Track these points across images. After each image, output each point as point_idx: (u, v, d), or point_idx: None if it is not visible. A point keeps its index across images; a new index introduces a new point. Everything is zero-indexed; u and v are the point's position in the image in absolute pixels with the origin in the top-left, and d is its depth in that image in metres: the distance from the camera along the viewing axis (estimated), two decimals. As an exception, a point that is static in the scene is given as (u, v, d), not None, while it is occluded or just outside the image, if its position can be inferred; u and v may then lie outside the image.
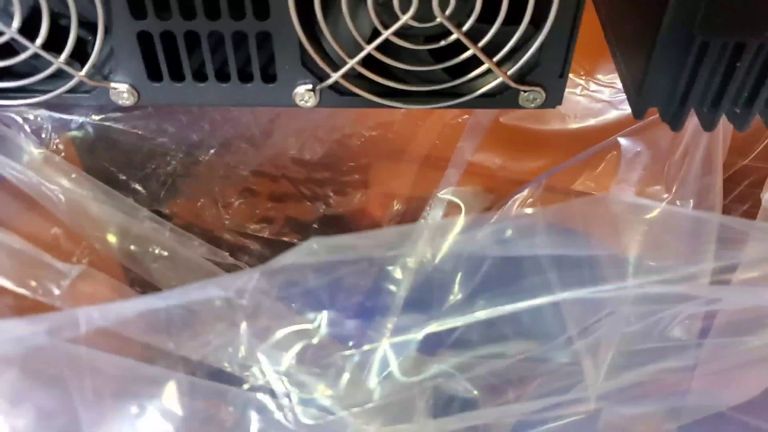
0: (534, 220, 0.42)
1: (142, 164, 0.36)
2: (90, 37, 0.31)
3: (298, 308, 0.26)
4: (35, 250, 0.26)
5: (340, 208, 0.44)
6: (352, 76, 0.32)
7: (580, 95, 0.43)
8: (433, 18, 0.30)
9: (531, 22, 0.30)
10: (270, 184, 0.41)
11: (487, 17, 0.30)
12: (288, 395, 0.23)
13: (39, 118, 0.33)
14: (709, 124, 0.32)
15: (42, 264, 0.26)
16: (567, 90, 0.33)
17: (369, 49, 0.30)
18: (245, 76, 0.32)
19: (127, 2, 0.29)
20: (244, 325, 0.23)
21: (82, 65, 0.31)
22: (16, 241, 0.27)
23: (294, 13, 0.29)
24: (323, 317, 0.26)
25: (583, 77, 0.43)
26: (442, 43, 0.31)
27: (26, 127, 0.33)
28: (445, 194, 0.46)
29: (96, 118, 0.34)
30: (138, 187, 0.36)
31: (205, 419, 0.23)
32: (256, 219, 0.40)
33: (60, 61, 0.30)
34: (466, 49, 0.31)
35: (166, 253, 0.29)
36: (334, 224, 0.43)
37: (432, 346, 0.29)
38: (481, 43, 0.31)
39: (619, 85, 0.43)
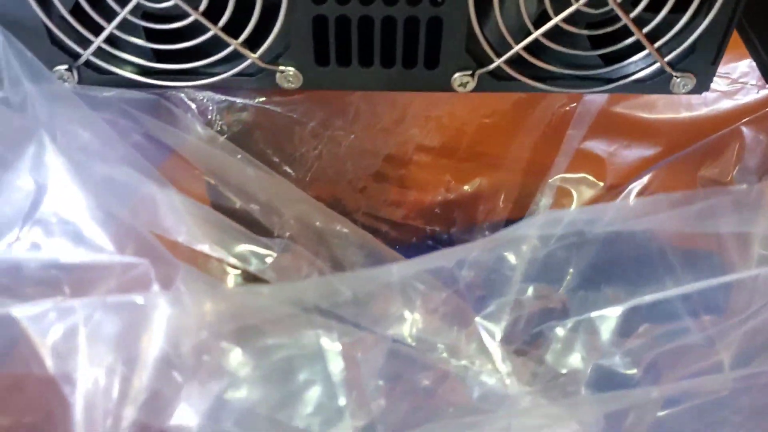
0: (658, 206, 0.43)
1: (293, 147, 0.37)
2: (264, 21, 0.32)
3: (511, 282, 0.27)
4: (238, 226, 0.27)
5: (458, 193, 0.45)
6: (511, 61, 0.33)
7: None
8: (604, 4, 0.31)
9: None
10: (398, 169, 0.42)
11: (649, 5, 0.31)
12: (503, 363, 0.24)
13: (205, 99, 0.34)
14: None
15: (249, 238, 0.27)
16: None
17: (537, 34, 0.31)
18: (409, 62, 0.33)
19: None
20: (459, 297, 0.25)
21: (251, 49, 0.32)
22: (220, 217, 0.28)
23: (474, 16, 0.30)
24: (531, 289, 0.27)
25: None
26: (609, 29, 0.32)
27: (193, 107, 0.34)
28: (555, 181, 0.47)
29: (257, 101, 0.35)
30: (288, 169, 0.37)
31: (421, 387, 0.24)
32: (387, 203, 0.41)
33: (237, 43, 0.31)
34: (625, 36, 0.32)
35: (346, 230, 0.30)
36: (453, 208, 0.44)
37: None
38: (645, 30, 0.32)
39: (734, 76, 0.44)
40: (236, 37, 0.31)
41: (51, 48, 0.32)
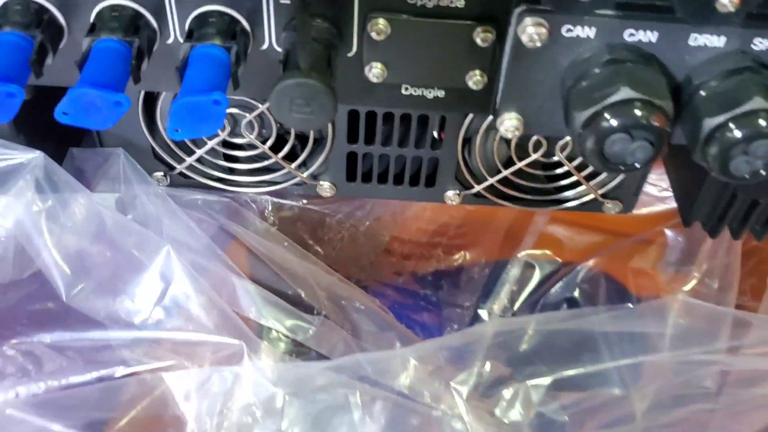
0: (598, 286, 0.56)
1: (323, 233, 0.49)
2: (311, 149, 0.44)
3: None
4: (286, 304, 0.39)
5: (447, 264, 0.57)
6: (487, 187, 0.45)
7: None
8: (553, 155, 0.43)
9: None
10: (401, 246, 0.54)
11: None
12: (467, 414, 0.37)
13: (263, 201, 0.46)
14: (736, 236, 0.45)
15: (296, 314, 0.39)
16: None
17: (506, 173, 0.44)
18: (413, 182, 0.45)
19: (348, 133, 0.42)
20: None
21: (300, 168, 0.44)
22: (268, 295, 0.40)
23: (459, 148, 0.43)
24: (489, 365, 0.39)
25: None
26: (558, 171, 0.44)
27: (254, 207, 0.46)
28: (523, 256, 0.59)
29: (301, 202, 0.47)
30: (319, 249, 0.49)
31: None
32: (391, 272, 0.54)
33: (292, 167, 0.44)
34: (570, 174, 0.45)
35: (362, 306, 0.42)
36: (442, 276, 0.56)
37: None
38: (583, 173, 0.44)
39: (664, 185, 0.57)
40: (292, 161, 0.44)
41: (153, 160, 0.44)
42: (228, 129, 0.42)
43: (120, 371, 0.35)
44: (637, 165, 0.29)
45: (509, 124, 0.33)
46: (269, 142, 0.43)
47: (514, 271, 0.59)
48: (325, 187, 0.45)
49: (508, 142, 0.43)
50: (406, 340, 0.43)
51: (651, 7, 0.29)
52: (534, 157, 0.43)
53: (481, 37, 0.31)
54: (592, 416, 0.44)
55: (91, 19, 0.30)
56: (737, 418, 0.46)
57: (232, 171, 0.45)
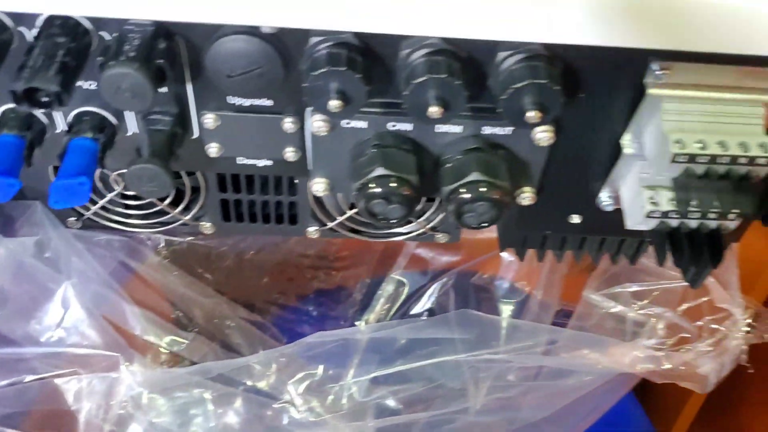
0: (448, 298, 0.67)
1: (211, 262, 0.60)
2: (189, 198, 0.55)
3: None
4: (165, 322, 0.49)
5: (328, 284, 0.68)
6: (339, 223, 0.56)
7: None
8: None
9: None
10: (285, 269, 0.65)
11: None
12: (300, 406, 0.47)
13: (155, 238, 0.57)
14: (541, 257, 0.57)
15: (173, 331, 0.49)
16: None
17: (350, 213, 0.55)
18: (279, 220, 0.56)
19: (218, 184, 0.53)
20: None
21: (184, 212, 0.55)
22: (152, 316, 0.51)
23: (312, 199, 0.54)
24: (322, 368, 0.50)
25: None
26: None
27: (149, 243, 0.57)
28: (395, 275, 0.71)
29: (188, 238, 0.58)
30: (208, 276, 0.60)
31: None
32: (276, 291, 0.64)
33: (176, 211, 0.54)
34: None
35: (233, 324, 0.53)
36: (324, 295, 0.67)
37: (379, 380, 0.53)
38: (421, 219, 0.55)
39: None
40: (178, 206, 0.54)
41: (67, 209, 0.55)
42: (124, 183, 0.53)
43: (29, 378, 0.45)
44: (394, 221, 0.40)
45: (319, 186, 0.44)
46: (168, 200, 0.53)
47: (388, 288, 0.71)
48: (207, 227, 0.56)
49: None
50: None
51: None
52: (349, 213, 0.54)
53: (288, 126, 0.42)
54: (422, 402, 0.55)
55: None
56: (544, 401, 0.57)
57: (130, 215, 0.56)
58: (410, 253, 0.71)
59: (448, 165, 0.41)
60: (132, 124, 0.42)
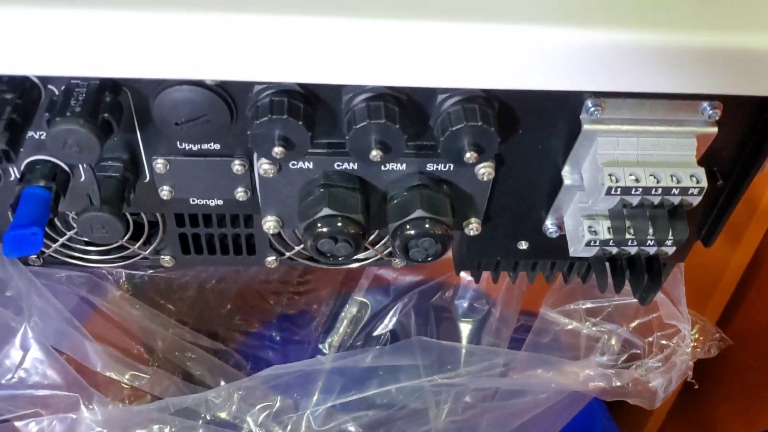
0: (409, 318, 0.68)
1: (173, 293, 0.61)
2: (151, 232, 0.55)
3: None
4: (125, 357, 0.50)
5: (291, 308, 0.69)
6: (297, 252, 0.57)
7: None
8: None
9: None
10: (247, 296, 0.66)
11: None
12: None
13: (117, 272, 0.58)
14: (495, 280, 0.58)
15: (133, 366, 0.50)
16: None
17: (302, 246, 0.56)
18: (237, 251, 0.57)
19: (174, 219, 0.54)
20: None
21: (145, 245, 0.56)
22: (113, 351, 0.52)
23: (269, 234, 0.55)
24: (280, 399, 0.51)
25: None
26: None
27: (110, 278, 0.58)
28: (358, 296, 0.72)
29: (150, 271, 0.59)
30: (171, 306, 0.61)
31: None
32: (239, 318, 0.65)
33: (136, 246, 0.55)
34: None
35: (194, 356, 0.54)
36: (287, 320, 0.68)
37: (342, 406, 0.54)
38: (378, 246, 0.56)
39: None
40: (138, 240, 0.55)
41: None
42: (81, 221, 0.54)
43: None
44: (341, 258, 0.42)
45: (270, 224, 0.45)
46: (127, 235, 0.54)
47: (351, 309, 0.72)
48: (167, 260, 0.57)
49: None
50: (232, 379, 0.55)
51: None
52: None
53: (237, 168, 0.43)
54: (382, 426, 0.56)
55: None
56: (502, 420, 0.58)
57: (90, 251, 0.56)
58: (372, 274, 0.72)
59: (393, 202, 0.42)
60: (84, 170, 0.43)
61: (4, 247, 0.39)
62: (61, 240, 0.55)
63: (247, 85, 0.38)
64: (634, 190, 0.40)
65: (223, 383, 0.54)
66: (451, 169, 0.43)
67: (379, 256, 0.58)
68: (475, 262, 0.56)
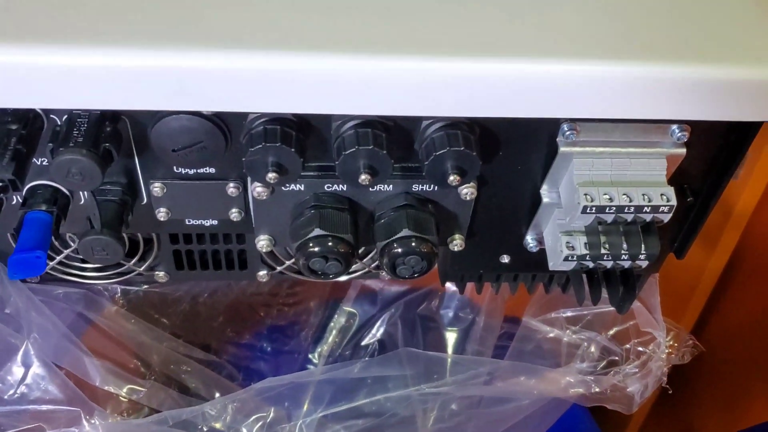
0: (397, 328, 0.70)
1: (167, 307, 0.62)
2: (142, 251, 0.57)
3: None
4: (122, 371, 0.52)
5: (281, 320, 0.71)
6: (288, 267, 0.59)
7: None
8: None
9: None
10: (239, 308, 0.68)
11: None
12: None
13: (112, 287, 0.60)
14: (479, 291, 0.61)
15: (130, 380, 0.52)
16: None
17: (293, 261, 0.58)
18: (230, 266, 0.59)
19: (169, 236, 0.56)
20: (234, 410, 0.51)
21: (140, 262, 0.58)
22: (110, 366, 0.53)
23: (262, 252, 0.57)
24: (273, 410, 0.53)
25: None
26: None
27: (106, 294, 0.59)
28: (347, 306, 0.74)
29: (144, 286, 0.60)
30: (165, 320, 0.62)
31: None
32: (231, 330, 0.67)
33: (131, 263, 0.57)
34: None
35: (189, 369, 0.56)
36: (278, 331, 0.70)
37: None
38: (365, 260, 0.58)
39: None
40: (133, 257, 0.57)
41: (24, 263, 0.57)
42: (78, 240, 0.55)
43: (-4, 435, 0.48)
44: (332, 276, 0.44)
45: (263, 243, 0.47)
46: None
47: (340, 320, 0.74)
48: (161, 276, 0.58)
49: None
50: (226, 391, 0.57)
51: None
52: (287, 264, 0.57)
53: (231, 191, 0.45)
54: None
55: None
56: (487, 427, 0.61)
57: (86, 268, 0.58)
58: (360, 284, 0.74)
59: (381, 221, 0.45)
60: (84, 194, 0.45)
61: (9, 270, 0.41)
62: (58, 258, 0.56)
63: (242, 114, 0.40)
64: (608, 208, 0.43)
65: (217, 394, 0.56)
66: (436, 189, 0.45)
67: (367, 270, 0.60)
68: (459, 274, 0.58)
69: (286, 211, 0.45)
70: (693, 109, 0.40)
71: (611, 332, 0.61)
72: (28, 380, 0.49)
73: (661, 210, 0.43)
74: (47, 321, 0.53)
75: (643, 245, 0.44)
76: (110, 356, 0.54)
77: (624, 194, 0.43)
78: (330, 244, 0.43)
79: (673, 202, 0.43)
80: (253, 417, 0.52)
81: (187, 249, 0.57)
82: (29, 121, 0.39)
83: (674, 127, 0.43)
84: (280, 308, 0.71)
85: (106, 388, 0.51)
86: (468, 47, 0.37)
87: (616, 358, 0.59)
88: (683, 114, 0.40)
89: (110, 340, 0.55)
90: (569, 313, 0.64)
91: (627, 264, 0.46)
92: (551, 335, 0.64)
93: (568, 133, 0.42)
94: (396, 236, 0.43)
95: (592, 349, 0.61)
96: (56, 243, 0.55)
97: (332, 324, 0.72)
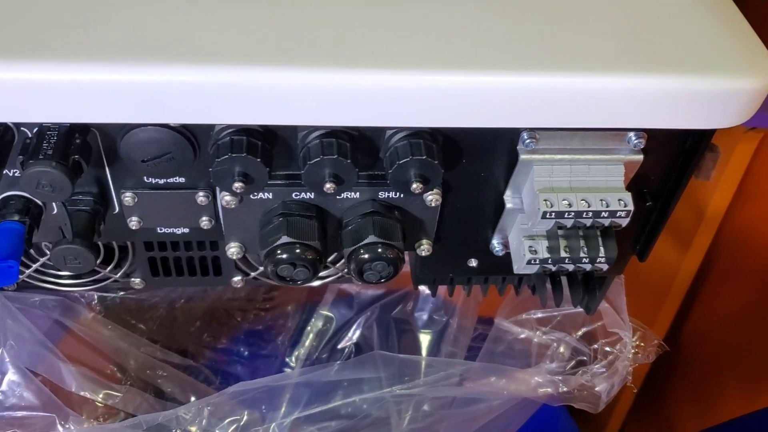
0: (372, 331, 0.72)
1: (143, 313, 0.63)
2: (117, 258, 0.58)
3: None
4: (98, 377, 0.53)
5: (258, 324, 0.72)
6: (261, 273, 0.60)
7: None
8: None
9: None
10: (216, 313, 0.69)
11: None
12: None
13: (89, 294, 0.60)
14: (451, 293, 0.62)
15: (106, 386, 0.53)
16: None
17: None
18: (204, 272, 0.60)
19: (144, 244, 0.57)
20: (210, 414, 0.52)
21: (115, 269, 0.59)
22: (86, 372, 0.54)
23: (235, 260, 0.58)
24: (247, 413, 0.54)
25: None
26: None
27: (83, 301, 0.60)
28: (323, 310, 0.75)
29: (121, 293, 0.61)
30: (142, 326, 0.63)
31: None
32: (208, 335, 0.68)
33: (107, 270, 0.58)
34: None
35: (165, 373, 0.57)
36: (255, 335, 0.71)
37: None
38: (338, 264, 0.60)
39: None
40: (109, 264, 0.58)
41: None
42: (54, 248, 0.56)
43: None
44: (300, 282, 0.45)
45: (233, 250, 0.48)
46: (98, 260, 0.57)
47: (317, 323, 0.75)
48: (137, 282, 0.59)
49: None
50: (203, 395, 0.58)
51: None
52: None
53: (201, 199, 0.46)
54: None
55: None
56: (459, 426, 0.62)
57: (62, 276, 0.59)
58: (337, 288, 0.75)
59: (348, 228, 0.46)
60: (56, 204, 0.46)
61: (-18, 279, 0.42)
62: (34, 266, 0.57)
63: (209, 125, 0.41)
64: (567, 213, 0.44)
65: (193, 399, 0.57)
66: (401, 196, 0.46)
67: (340, 274, 0.62)
68: (431, 278, 0.59)
69: (254, 218, 0.46)
70: (648, 117, 0.41)
71: (580, 333, 0.62)
72: (3, 387, 0.50)
73: (618, 215, 0.44)
74: (23, 328, 0.54)
75: (602, 249, 0.45)
76: (87, 362, 0.55)
77: (582, 200, 0.44)
78: (297, 251, 0.44)
79: (630, 207, 0.44)
80: (228, 420, 0.53)
81: (161, 256, 0.58)
82: (0, 134, 0.39)
83: (631, 134, 0.44)
84: (257, 313, 0.72)
85: (82, 393, 0.52)
86: (429, 60, 0.38)
87: (585, 358, 0.61)
88: (639, 122, 0.42)
89: (87, 346, 0.56)
90: (540, 315, 0.65)
91: (588, 267, 0.47)
92: (522, 336, 0.65)
93: (528, 141, 0.44)
94: (362, 242, 0.44)
95: (562, 349, 0.62)
96: (32, 251, 0.56)
97: (309, 328, 0.73)
